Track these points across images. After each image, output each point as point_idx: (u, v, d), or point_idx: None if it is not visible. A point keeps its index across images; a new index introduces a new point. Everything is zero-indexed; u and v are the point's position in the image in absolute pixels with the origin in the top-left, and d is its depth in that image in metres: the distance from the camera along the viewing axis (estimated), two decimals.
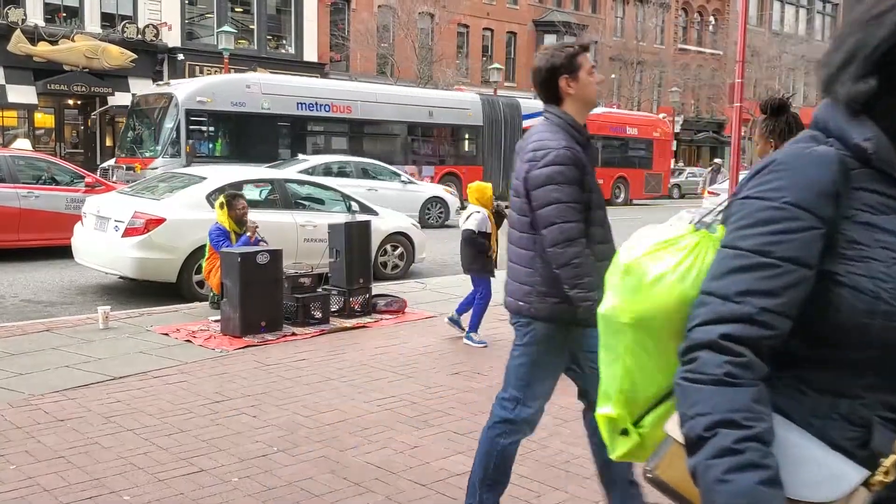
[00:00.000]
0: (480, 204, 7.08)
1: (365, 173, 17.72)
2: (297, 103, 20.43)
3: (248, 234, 7.84)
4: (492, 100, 25.85)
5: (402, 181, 18.20)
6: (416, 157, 23.44)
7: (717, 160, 18.19)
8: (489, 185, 7.30)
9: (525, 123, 25.22)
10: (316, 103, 20.84)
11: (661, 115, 36.25)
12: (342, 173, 17.06)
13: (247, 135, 19.49)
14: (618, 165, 29.51)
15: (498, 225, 7.15)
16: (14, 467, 4.03)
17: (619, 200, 29.48)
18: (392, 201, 14.75)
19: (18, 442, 4.38)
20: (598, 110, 30.67)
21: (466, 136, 24.97)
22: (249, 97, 19.40)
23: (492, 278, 7.03)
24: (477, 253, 7.00)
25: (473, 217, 7.01)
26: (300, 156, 18.22)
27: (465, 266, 7.18)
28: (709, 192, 20.28)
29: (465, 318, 7.10)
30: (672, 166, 42.57)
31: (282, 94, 20.14)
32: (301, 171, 14.62)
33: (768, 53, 44.31)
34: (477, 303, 7.02)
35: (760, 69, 43.13)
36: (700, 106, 48.70)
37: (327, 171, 16.82)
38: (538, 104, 24.16)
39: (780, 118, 3.82)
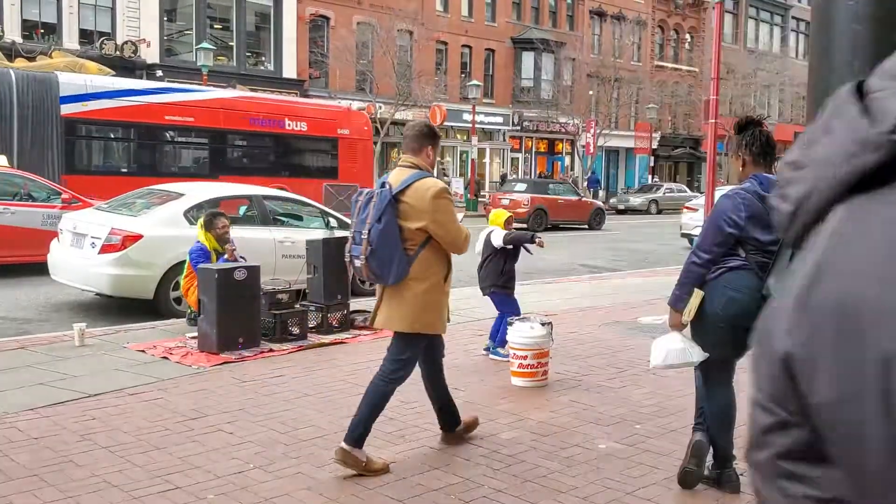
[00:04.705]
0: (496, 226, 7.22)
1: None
2: None
3: (227, 256, 7.83)
4: None
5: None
6: None
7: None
8: (504, 211, 7.46)
9: (65, 109, 16.71)
10: None
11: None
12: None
13: None
14: (274, 174, 19.39)
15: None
16: None
17: None
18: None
19: None
20: (231, 93, 20.53)
21: None
22: None
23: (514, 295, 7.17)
24: (501, 271, 7.04)
25: (495, 234, 7.09)
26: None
27: (488, 286, 7.15)
28: (686, 208, 20.55)
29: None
30: (650, 181, 43.00)
31: None
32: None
33: (743, 71, 44.91)
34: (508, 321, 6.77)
35: (736, 86, 43.68)
36: (677, 122, 49.21)
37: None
38: (92, 81, 18.24)
39: (745, 133, 3.97)
